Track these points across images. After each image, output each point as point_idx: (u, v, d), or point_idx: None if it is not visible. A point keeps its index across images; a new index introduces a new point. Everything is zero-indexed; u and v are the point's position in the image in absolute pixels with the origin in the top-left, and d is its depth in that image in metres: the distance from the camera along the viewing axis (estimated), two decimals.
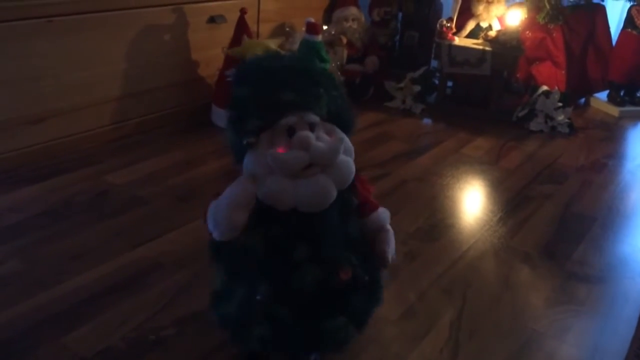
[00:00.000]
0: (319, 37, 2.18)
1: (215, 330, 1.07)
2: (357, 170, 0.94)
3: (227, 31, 2.20)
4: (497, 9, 2.48)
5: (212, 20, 2.17)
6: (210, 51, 2.22)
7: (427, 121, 2.46)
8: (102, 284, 1.28)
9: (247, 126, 0.88)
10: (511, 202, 1.81)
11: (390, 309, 1.26)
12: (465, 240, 1.57)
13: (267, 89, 0.88)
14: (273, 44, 2.07)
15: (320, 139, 0.89)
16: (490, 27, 2.49)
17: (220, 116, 2.19)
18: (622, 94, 2.76)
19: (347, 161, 0.91)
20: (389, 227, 1.00)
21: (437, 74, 2.61)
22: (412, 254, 1.48)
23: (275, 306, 0.91)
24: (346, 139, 0.92)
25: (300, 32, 2.34)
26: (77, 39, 1.79)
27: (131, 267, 1.34)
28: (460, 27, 2.53)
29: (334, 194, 0.88)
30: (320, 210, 0.89)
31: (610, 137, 2.47)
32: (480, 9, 2.49)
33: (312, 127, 0.89)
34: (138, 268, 1.34)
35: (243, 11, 2.10)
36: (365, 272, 0.95)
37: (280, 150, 0.86)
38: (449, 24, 2.45)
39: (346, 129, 0.95)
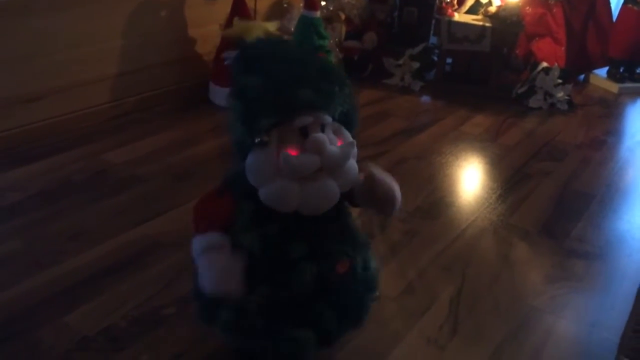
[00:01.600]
0: (318, 13, 2.16)
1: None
2: None
3: (224, 7, 2.18)
4: None
5: None
6: (207, 28, 2.20)
7: (425, 98, 2.45)
8: (102, 264, 1.28)
9: (260, 123, 0.81)
10: (510, 180, 1.81)
11: (390, 286, 1.27)
12: (464, 218, 1.57)
13: (284, 84, 0.82)
14: (272, 27, 2.06)
15: (330, 140, 0.85)
16: (490, 3, 2.47)
17: (218, 94, 2.18)
18: (621, 70, 2.74)
19: (354, 166, 0.88)
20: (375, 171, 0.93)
21: (436, 51, 2.59)
22: (412, 232, 1.48)
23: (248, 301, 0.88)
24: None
25: (298, 8, 2.32)
26: (72, 16, 1.77)
27: (131, 247, 1.34)
28: (460, 2, 2.50)
29: (338, 197, 0.86)
30: (320, 213, 0.86)
31: (609, 113, 2.47)
32: None
33: (323, 128, 0.85)
34: (138, 247, 1.34)
35: None
36: (359, 260, 0.95)
37: (292, 152, 0.82)
38: (448, 0, 2.42)
39: (351, 127, 0.90)
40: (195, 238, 0.86)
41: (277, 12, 2.42)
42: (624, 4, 2.66)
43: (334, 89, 0.85)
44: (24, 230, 1.36)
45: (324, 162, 0.82)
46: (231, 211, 0.87)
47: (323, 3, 2.44)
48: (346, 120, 0.89)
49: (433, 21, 2.52)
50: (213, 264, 0.82)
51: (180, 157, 1.78)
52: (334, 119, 0.87)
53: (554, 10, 2.61)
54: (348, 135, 0.88)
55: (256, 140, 0.81)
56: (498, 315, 1.22)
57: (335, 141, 0.86)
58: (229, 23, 2.12)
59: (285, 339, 0.88)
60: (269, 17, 2.41)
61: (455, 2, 2.44)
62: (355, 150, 0.88)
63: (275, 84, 0.81)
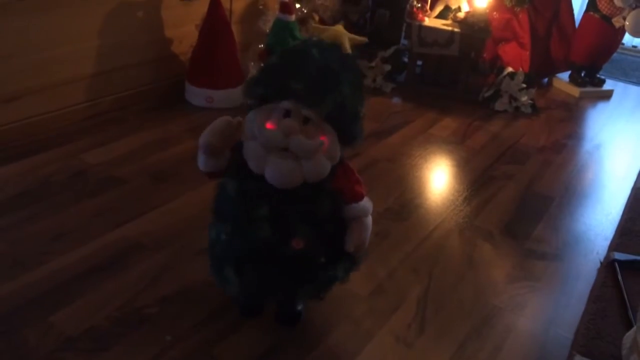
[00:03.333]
0: (293, 17, 2.21)
1: (198, 307, 1.15)
2: (343, 158, 1.05)
3: (200, 7, 2.21)
4: None
5: None
6: (183, 28, 2.23)
7: (396, 100, 2.52)
8: (84, 264, 1.32)
9: (253, 90, 1.02)
10: (476, 182, 1.89)
11: (361, 286, 1.34)
12: (432, 220, 1.65)
13: (285, 71, 0.99)
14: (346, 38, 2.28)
15: (307, 133, 0.98)
16: (459, 9, 2.54)
17: (194, 94, 2.21)
18: (583, 74, 2.86)
19: (324, 163, 1.00)
20: (364, 218, 1.07)
21: (407, 53, 2.67)
22: (383, 234, 1.55)
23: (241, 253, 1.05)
24: (333, 147, 1.00)
25: (274, 10, 2.36)
26: (49, 17, 1.78)
27: (113, 247, 1.38)
28: (430, 7, 2.58)
29: (298, 180, 0.99)
30: (281, 187, 0.99)
31: (570, 117, 2.58)
32: None
33: (305, 120, 0.98)
34: (119, 248, 1.38)
35: None
36: (323, 252, 1.06)
37: (269, 125, 0.98)
38: (419, 5, 2.50)
39: (349, 142, 1.04)
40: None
41: (253, 13, 2.45)
42: (586, 11, 2.77)
43: (326, 94, 0.98)
44: (6, 232, 1.39)
45: (289, 144, 0.96)
46: (231, 157, 1.05)
47: (297, 5, 2.48)
48: (346, 135, 1.02)
49: (404, 24, 2.59)
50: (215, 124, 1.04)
51: (157, 157, 1.82)
52: (328, 121, 0.99)
53: (520, 16, 2.70)
54: (329, 139, 0.99)
55: (247, 102, 1.03)
56: (462, 314, 1.31)
57: (313, 136, 0.98)
58: (204, 23, 2.16)
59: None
60: (244, 19, 2.45)
61: (427, 7, 2.51)
62: (336, 155, 1.02)
63: (281, 68, 1.00)
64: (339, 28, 2.44)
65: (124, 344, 1.12)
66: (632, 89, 3.07)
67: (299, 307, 1.21)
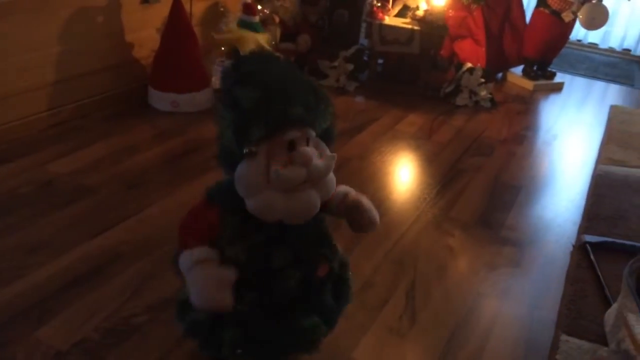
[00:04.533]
0: (256, 18, 2.21)
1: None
2: None
3: (160, 11, 2.17)
4: None
5: (145, 1, 2.13)
6: (144, 32, 2.18)
7: (360, 99, 2.55)
8: (64, 277, 1.27)
9: (251, 135, 0.84)
10: (446, 176, 1.94)
11: None
12: (409, 215, 1.68)
13: (278, 99, 0.85)
14: (263, 40, 2.11)
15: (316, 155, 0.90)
16: (417, 7, 2.59)
17: (157, 98, 2.17)
18: (535, 68, 2.96)
19: (333, 178, 0.94)
20: (351, 191, 1.01)
21: (367, 52, 2.70)
22: None
23: (249, 310, 0.93)
24: None
25: (234, 13, 2.35)
26: (6, 23, 1.72)
27: (92, 258, 1.34)
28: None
29: (319, 207, 0.91)
30: (302, 222, 0.91)
31: (526, 109, 2.67)
32: None
33: (308, 142, 0.89)
34: (99, 258, 1.35)
35: None
36: (336, 261, 1.01)
37: (279, 164, 0.85)
38: (379, 4, 2.53)
39: (329, 142, 0.95)
40: (183, 254, 0.88)
41: (214, 15, 2.43)
42: (536, 7, 2.86)
43: (320, 107, 0.90)
44: None
45: (310, 175, 0.87)
46: (217, 224, 0.90)
47: (259, 7, 2.48)
48: (325, 135, 0.94)
49: (364, 24, 2.62)
50: (204, 277, 0.86)
51: (126, 165, 1.77)
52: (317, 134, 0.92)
53: (475, 14, 2.78)
54: (327, 149, 0.93)
55: (245, 151, 0.84)
56: (450, 303, 1.33)
57: (322, 155, 0.91)
58: (166, 27, 2.12)
59: (294, 330, 0.94)
60: (205, 21, 2.42)
61: (389, 6, 2.55)
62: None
63: (269, 97, 0.85)
64: (245, 32, 2.24)
65: (117, 355, 1.09)
66: (580, 80, 3.20)
67: None
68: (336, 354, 1.15)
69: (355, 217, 0.99)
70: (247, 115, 0.84)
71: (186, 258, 0.88)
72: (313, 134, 0.90)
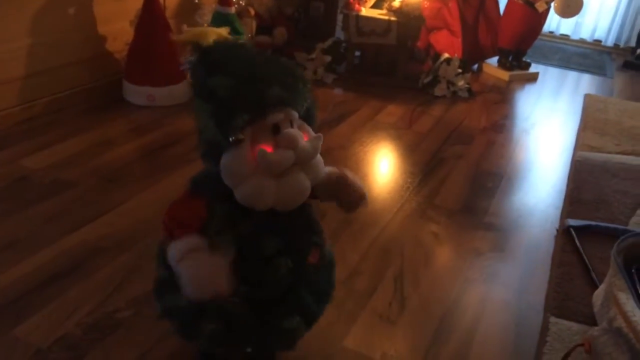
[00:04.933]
0: (232, 9, 2.17)
1: None
2: None
3: (134, 3, 2.13)
4: None
5: None
6: (117, 24, 2.13)
7: (339, 90, 2.53)
8: (43, 273, 1.23)
9: (235, 122, 0.81)
10: (428, 164, 1.93)
11: (338, 270, 1.31)
12: (394, 203, 1.67)
13: (254, 82, 0.83)
14: (224, 32, 2.06)
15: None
16: None
17: (132, 92, 2.12)
18: (510, 59, 2.99)
19: (320, 160, 0.90)
20: (336, 169, 0.98)
21: (344, 44, 2.68)
22: (349, 219, 1.55)
23: (231, 303, 0.88)
24: None
25: (209, 5, 2.31)
26: None
27: (71, 253, 1.30)
28: None
29: (309, 190, 0.88)
30: (294, 207, 0.88)
31: (503, 99, 2.69)
32: None
33: (292, 124, 0.86)
34: (79, 253, 1.30)
35: None
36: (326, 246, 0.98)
37: (267, 148, 0.83)
38: None
39: (311, 123, 0.92)
40: (172, 245, 0.83)
41: (188, 8, 2.38)
42: None
43: (298, 86, 0.87)
44: None
45: (298, 157, 0.84)
46: (204, 214, 0.86)
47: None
48: (307, 117, 0.91)
49: (340, 15, 2.60)
50: (197, 266, 0.81)
51: (104, 158, 1.73)
52: (299, 116, 0.89)
53: (450, 5, 2.79)
54: (311, 131, 0.90)
55: (231, 139, 0.81)
56: (439, 288, 1.33)
57: (307, 136, 0.88)
58: (141, 19, 2.08)
59: (276, 331, 0.90)
60: (179, 13, 2.37)
61: None
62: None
63: (246, 82, 0.82)
64: (204, 28, 2.29)
65: (101, 350, 1.05)
66: (554, 70, 3.24)
67: None
68: (327, 343, 1.13)
69: (342, 194, 0.97)
70: (227, 103, 0.82)
71: (175, 250, 0.83)
72: (296, 115, 0.87)
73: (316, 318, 0.97)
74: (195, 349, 1.05)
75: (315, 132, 0.91)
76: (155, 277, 0.97)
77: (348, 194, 0.97)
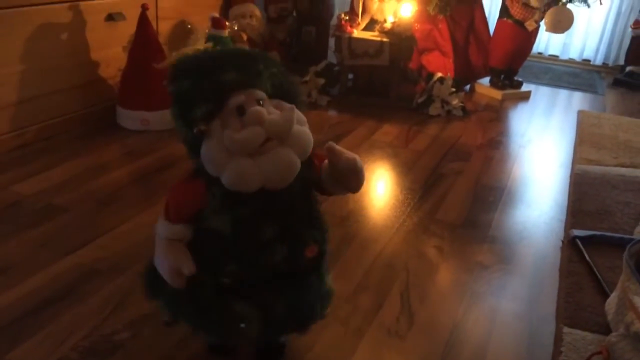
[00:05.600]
0: (225, 32, 2.17)
1: (174, 328, 1.04)
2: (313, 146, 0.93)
3: (126, 29, 2.12)
4: (389, 6, 2.59)
5: (110, 18, 2.07)
6: (110, 50, 2.12)
7: (333, 112, 2.52)
8: (37, 297, 1.18)
9: (195, 114, 0.85)
10: (428, 181, 1.91)
11: (342, 287, 1.29)
12: (395, 219, 1.64)
13: (208, 73, 0.87)
14: (201, 46, 2.05)
15: (270, 113, 0.86)
16: (385, 20, 2.60)
17: (126, 117, 2.10)
18: (502, 78, 3.00)
19: (303, 130, 0.89)
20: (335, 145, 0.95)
21: (337, 67, 2.68)
22: (350, 236, 1.52)
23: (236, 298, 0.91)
24: (296, 110, 0.88)
25: (202, 29, 2.31)
26: None
27: (65, 277, 1.25)
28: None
29: (298, 164, 0.86)
30: (286, 184, 0.87)
31: (498, 117, 2.68)
32: (375, 8, 2.60)
33: (259, 104, 0.87)
34: (73, 277, 1.26)
35: (145, 7, 2.03)
36: (326, 245, 0.97)
37: (235, 130, 0.84)
38: (347, 17, 2.53)
39: (294, 99, 0.92)
40: (161, 223, 0.91)
41: (180, 33, 2.38)
42: (499, 17, 2.91)
43: (258, 66, 0.89)
44: None
45: (268, 132, 0.83)
46: (203, 195, 0.88)
47: (227, 24, 2.44)
48: (285, 96, 0.91)
49: (333, 39, 2.61)
50: (165, 253, 0.89)
51: (98, 183, 1.69)
52: (270, 96, 0.89)
53: (440, 26, 2.81)
54: (289, 106, 0.88)
55: (195, 131, 0.84)
56: (446, 302, 1.29)
57: (277, 108, 0.88)
58: (134, 45, 2.07)
59: (231, 311, 0.91)
60: (171, 40, 2.37)
61: (359, 20, 2.55)
62: (302, 117, 0.91)
63: (201, 77, 0.86)
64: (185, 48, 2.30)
65: None
66: (545, 89, 3.25)
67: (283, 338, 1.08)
68: None
69: (332, 169, 0.92)
70: (185, 98, 0.87)
71: (162, 228, 0.91)
72: (262, 94, 0.88)
73: (275, 330, 0.98)
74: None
75: (302, 105, 0.93)
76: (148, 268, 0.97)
77: (340, 168, 0.91)
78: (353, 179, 0.93)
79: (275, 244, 0.89)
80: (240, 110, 0.85)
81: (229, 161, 0.83)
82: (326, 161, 0.94)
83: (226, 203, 0.87)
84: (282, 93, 0.91)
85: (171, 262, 0.88)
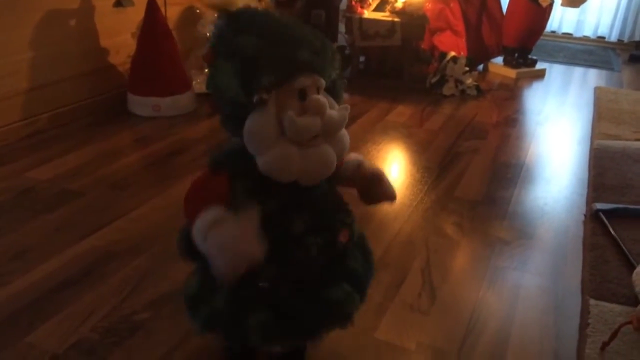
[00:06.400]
0: None
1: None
2: None
3: (135, 15, 2.10)
4: None
5: (119, 4, 2.05)
6: (119, 37, 2.11)
7: (345, 96, 2.48)
8: (55, 279, 1.17)
9: (261, 81, 0.76)
10: (444, 159, 1.88)
11: None
12: (413, 197, 1.61)
13: (282, 43, 0.78)
14: (253, 2, 2.01)
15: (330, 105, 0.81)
16: (396, 0, 2.56)
17: (137, 104, 2.09)
18: (516, 56, 2.95)
19: (345, 133, 0.84)
20: (367, 162, 0.94)
21: (349, 49, 2.65)
22: (368, 215, 1.49)
23: (274, 289, 0.84)
24: None
25: (211, 13, 2.28)
26: None
27: (83, 259, 1.24)
28: None
29: (335, 166, 0.82)
30: (318, 182, 0.83)
31: (513, 96, 2.64)
32: None
33: (319, 92, 0.80)
34: (91, 259, 1.25)
35: None
36: (355, 225, 0.92)
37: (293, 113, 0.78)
38: None
39: (337, 99, 0.86)
40: (196, 223, 0.77)
41: (189, 18, 2.36)
42: None
43: (327, 53, 0.82)
44: None
45: (324, 125, 0.78)
46: (226, 189, 0.80)
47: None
48: (334, 92, 0.85)
49: (344, 20, 2.58)
50: (225, 235, 0.75)
51: (111, 168, 1.68)
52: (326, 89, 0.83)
53: (452, 5, 2.76)
54: (336, 104, 0.83)
55: (255, 100, 0.76)
56: (468, 277, 1.26)
57: (333, 105, 0.82)
58: (143, 31, 2.05)
59: (327, 306, 0.85)
60: (180, 25, 2.35)
61: (369, 0, 2.52)
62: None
63: (274, 43, 0.78)
64: None
65: (119, 354, 0.99)
66: (560, 67, 3.20)
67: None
68: (358, 336, 1.06)
69: (375, 189, 0.92)
70: (254, 62, 0.77)
71: (199, 225, 0.77)
72: (323, 83, 0.81)
73: (366, 284, 0.93)
74: (221, 346, 0.99)
75: (342, 102, 0.86)
76: (185, 295, 0.89)
77: (381, 191, 0.92)
78: (377, 203, 0.94)
79: (308, 237, 0.83)
80: (302, 94, 0.78)
81: (277, 143, 0.78)
82: (351, 159, 0.91)
83: (250, 200, 0.80)
84: (332, 89, 0.85)
85: (231, 241, 0.74)
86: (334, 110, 0.81)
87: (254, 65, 0.77)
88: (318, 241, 0.84)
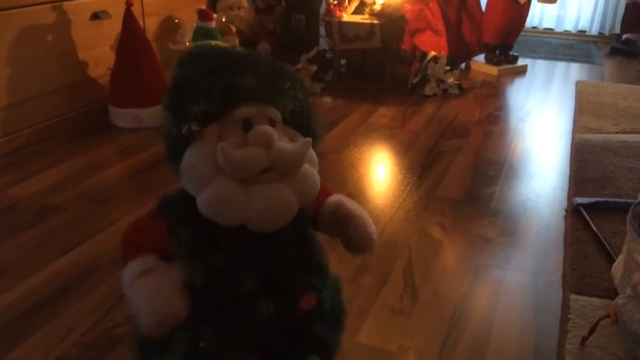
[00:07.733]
0: (213, 24, 2.15)
1: None
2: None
3: (112, 27, 2.10)
4: None
5: (95, 16, 2.05)
6: (97, 50, 2.10)
7: (328, 99, 2.50)
8: (35, 296, 1.16)
9: (191, 111, 0.70)
10: (426, 159, 1.88)
11: (343, 268, 1.26)
12: (395, 198, 1.62)
13: (225, 69, 0.72)
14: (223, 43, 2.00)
15: (281, 139, 0.72)
16: (374, 2, 2.57)
17: (118, 116, 2.08)
18: (497, 53, 2.97)
19: (312, 172, 0.74)
20: (344, 198, 0.84)
21: (329, 52, 2.66)
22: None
23: (236, 353, 0.74)
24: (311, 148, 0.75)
25: (190, 24, 2.29)
26: None
27: (63, 275, 1.24)
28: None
29: (295, 209, 0.72)
30: (274, 228, 0.72)
31: (495, 93, 2.66)
32: None
33: (270, 125, 0.72)
34: (71, 275, 1.24)
35: (129, 4, 2.00)
36: (328, 290, 0.81)
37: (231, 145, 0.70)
38: (335, 2, 2.50)
39: (311, 136, 0.76)
40: (125, 269, 0.71)
41: (168, 28, 2.36)
42: None
43: (284, 83, 0.74)
44: None
45: (273, 160, 0.69)
46: (165, 238, 0.72)
47: (215, 16, 2.42)
48: (303, 126, 0.77)
49: (324, 24, 2.58)
50: (146, 290, 0.67)
51: (92, 182, 1.67)
52: (287, 122, 0.75)
53: (431, 5, 2.78)
54: (304, 138, 0.74)
55: (184, 130, 0.69)
56: (450, 277, 1.27)
57: (291, 138, 0.74)
58: (121, 43, 2.05)
59: None
60: (160, 35, 2.35)
61: (346, 3, 2.52)
62: (315, 158, 0.77)
63: (212, 72, 0.72)
64: (203, 42, 2.19)
65: None
66: (542, 62, 3.22)
67: None
68: None
69: (347, 231, 0.80)
70: (183, 90, 0.72)
71: (127, 273, 0.70)
72: (277, 115, 0.73)
73: (335, 350, 0.83)
74: None
75: (318, 141, 0.78)
76: (136, 340, 0.80)
77: (351, 235, 0.80)
78: (359, 252, 0.81)
79: (259, 300, 0.73)
80: (247, 125, 0.71)
81: (214, 179, 0.68)
82: (330, 201, 0.82)
83: (195, 250, 0.72)
84: (299, 123, 0.76)
85: (155, 302, 0.66)
86: (288, 144, 0.72)
87: (185, 95, 0.71)
88: (270, 307, 0.73)
